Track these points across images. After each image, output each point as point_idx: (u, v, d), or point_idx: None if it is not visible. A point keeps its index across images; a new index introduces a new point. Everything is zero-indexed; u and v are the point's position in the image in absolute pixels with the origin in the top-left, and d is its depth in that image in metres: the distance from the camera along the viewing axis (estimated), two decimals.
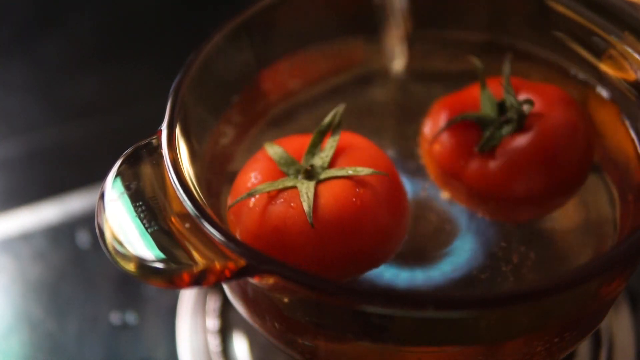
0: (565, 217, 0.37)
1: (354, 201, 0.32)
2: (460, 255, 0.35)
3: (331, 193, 0.32)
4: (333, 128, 0.34)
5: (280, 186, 0.33)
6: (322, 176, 0.33)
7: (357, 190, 0.32)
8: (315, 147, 0.34)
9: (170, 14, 0.67)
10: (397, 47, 0.40)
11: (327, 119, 0.34)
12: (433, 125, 0.37)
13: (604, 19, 0.37)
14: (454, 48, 0.42)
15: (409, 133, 0.40)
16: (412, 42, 0.43)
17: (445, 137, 0.36)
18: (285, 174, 0.34)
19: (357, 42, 0.43)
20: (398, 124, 0.42)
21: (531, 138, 0.34)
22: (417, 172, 0.38)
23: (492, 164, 0.35)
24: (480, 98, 0.36)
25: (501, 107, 0.36)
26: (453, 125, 0.36)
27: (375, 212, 0.32)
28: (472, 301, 0.28)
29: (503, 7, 0.41)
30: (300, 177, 0.33)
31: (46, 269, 0.47)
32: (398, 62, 0.40)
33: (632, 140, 0.36)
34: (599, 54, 0.38)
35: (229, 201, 0.34)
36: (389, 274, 0.34)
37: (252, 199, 0.33)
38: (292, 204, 0.32)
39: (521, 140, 0.34)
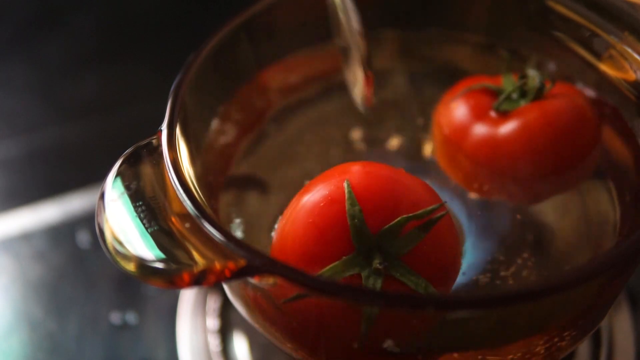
0: (565, 217, 0.37)
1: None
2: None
3: None
4: (425, 223, 0.30)
5: (348, 274, 0.30)
6: (392, 272, 0.30)
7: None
8: (396, 229, 0.30)
9: (170, 14, 0.67)
10: (359, 74, 0.38)
11: (420, 212, 0.30)
12: (450, 97, 0.37)
13: (603, 19, 0.37)
14: (455, 48, 0.42)
15: (410, 132, 0.40)
16: (411, 41, 0.43)
17: (459, 102, 0.37)
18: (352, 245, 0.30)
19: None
20: (398, 123, 0.42)
21: (547, 108, 0.35)
22: (418, 172, 0.38)
23: (504, 128, 0.35)
24: (503, 78, 0.37)
25: (520, 79, 0.36)
26: (470, 93, 0.36)
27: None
28: (472, 301, 0.28)
29: (503, 7, 0.41)
30: (367, 266, 0.30)
31: (46, 269, 0.47)
32: (359, 90, 0.38)
33: (632, 140, 0.36)
34: (599, 54, 0.38)
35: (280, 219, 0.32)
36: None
37: None
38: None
39: (536, 109, 0.35)
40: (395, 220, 0.30)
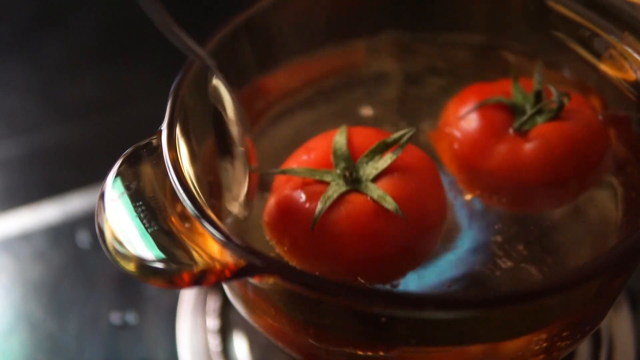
0: (565, 217, 0.37)
1: (364, 229, 0.32)
2: (461, 255, 0.35)
3: (350, 209, 0.32)
4: (398, 145, 0.33)
5: (317, 177, 0.33)
6: (359, 187, 0.33)
7: (376, 218, 0.32)
8: (374, 154, 0.34)
9: (171, 14, 0.67)
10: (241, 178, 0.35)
11: (396, 135, 0.33)
12: (460, 107, 0.37)
13: (603, 19, 0.37)
14: (455, 49, 0.42)
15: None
16: (412, 43, 0.43)
17: (474, 117, 0.37)
18: (333, 166, 0.34)
19: (357, 43, 0.43)
20: (398, 125, 0.42)
21: (569, 126, 0.35)
22: None
23: (528, 145, 0.35)
24: (512, 88, 0.37)
25: (536, 97, 0.36)
26: (482, 108, 0.36)
27: (379, 252, 0.32)
28: (472, 301, 0.28)
29: (503, 7, 0.41)
30: (339, 178, 0.33)
31: (46, 269, 0.47)
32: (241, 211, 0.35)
33: (633, 140, 0.36)
34: (599, 54, 0.38)
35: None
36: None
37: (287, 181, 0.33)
38: (309, 203, 0.32)
39: (558, 127, 0.35)
40: (375, 145, 0.33)
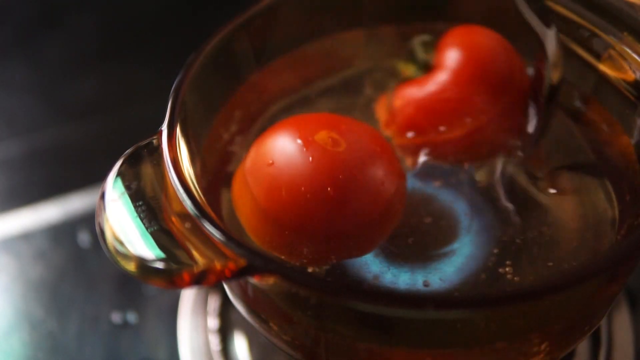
0: (563, 217, 0.37)
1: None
2: (460, 255, 0.35)
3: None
4: None
5: None
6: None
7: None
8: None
9: (171, 14, 0.67)
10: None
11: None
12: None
13: (603, 19, 0.37)
14: None
15: None
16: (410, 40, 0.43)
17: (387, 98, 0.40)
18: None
19: (356, 40, 0.43)
20: None
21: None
22: (420, 172, 0.38)
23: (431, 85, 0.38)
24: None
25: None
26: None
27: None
28: (472, 301, 0.28)
29: (501, 7, 0.41)
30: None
31: (47, 269, 0.47)
32: None
33: (631, 140, 0.36)
34: (598, 54, 0.38)
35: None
36: (389, 275, 0.34)
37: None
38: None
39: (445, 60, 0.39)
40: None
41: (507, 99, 0.38)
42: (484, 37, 0.39)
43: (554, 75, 0.36)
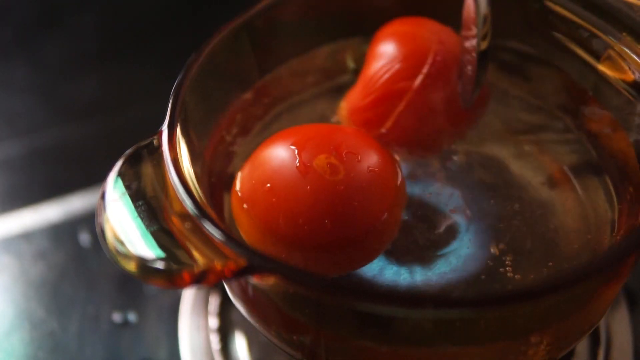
0: (563, 217, 0.37)
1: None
2: (459, 255, 0.35)
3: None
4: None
5: None
6: None
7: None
8: None
9: (171, 14, 0.67)
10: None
11: None
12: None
13: (602, 20, 0.37)
14: None
15: None
16: None
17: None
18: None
19: (356, 42, 0.43)
20: None
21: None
22: (421, 173, 0.38)
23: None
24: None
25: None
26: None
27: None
28: (471, 301, 0.28)
29: (501, 8, 0.41)
30: None
31: (48, 269, 0.48)
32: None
33: (630, 140, 0.36)
34: (597, 55, 0.38)
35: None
36: (389, 274, 0.35)
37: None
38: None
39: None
40: None
41: (425, 69, 0.38)
42: (401, 25, 0.40)
43: (482, 44, 0.36)
